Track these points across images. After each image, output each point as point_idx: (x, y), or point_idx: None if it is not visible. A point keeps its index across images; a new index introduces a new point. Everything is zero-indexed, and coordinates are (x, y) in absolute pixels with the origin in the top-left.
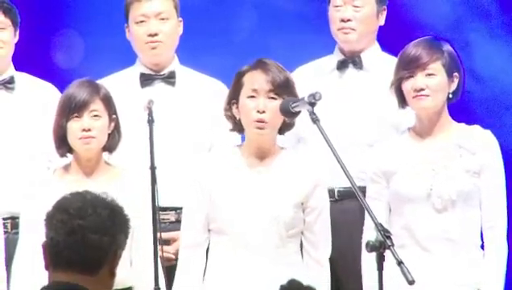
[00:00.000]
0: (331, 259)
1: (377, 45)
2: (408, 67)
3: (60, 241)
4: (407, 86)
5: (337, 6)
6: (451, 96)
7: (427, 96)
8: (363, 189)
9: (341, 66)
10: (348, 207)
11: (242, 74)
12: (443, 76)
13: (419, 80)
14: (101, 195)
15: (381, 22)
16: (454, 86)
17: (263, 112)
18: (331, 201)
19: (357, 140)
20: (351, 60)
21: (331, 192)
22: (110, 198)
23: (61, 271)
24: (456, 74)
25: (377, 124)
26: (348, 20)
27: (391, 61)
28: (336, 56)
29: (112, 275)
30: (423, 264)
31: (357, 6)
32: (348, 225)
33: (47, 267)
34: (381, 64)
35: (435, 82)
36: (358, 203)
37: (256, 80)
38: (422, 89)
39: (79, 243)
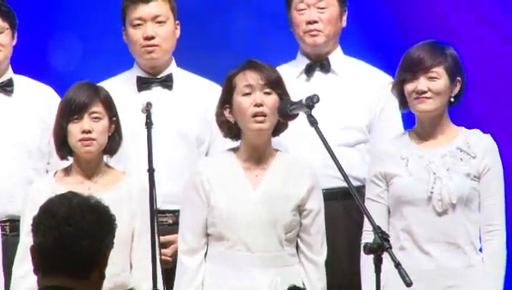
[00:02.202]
0: None
1: (339, 48)
2: (411, 69)
3: (49, 247)
4: (409, 88)
5: (301, 10)
6: (452, 100)
7: (429, 98)
8: (347, 189)
9: (309, 70)
10: (331, 208)
11: (233, 76)
12: (445, 80)
13: (422, 82)
14: (86, 197)
15: (344, 23)
16: (456, 90)
17: (261, 105)
18: None
19: (332, 141)
20: (318, 64)
21: None
22: (95, 200)
23: (51, 276)
24: (458, 78)
25: (350, 125)
26: (315, 22)
27: (355, 63)
28: (301, 61)
29: (101, 276)
30: (422, 267)
31: (321, 8)
32: (332, 225)
33: (36, 272)
34: (346, 66)
35: (437, 85)
36: (341, 204)
37: (250, 77)
38: (424, 92)
39: (68, 250)
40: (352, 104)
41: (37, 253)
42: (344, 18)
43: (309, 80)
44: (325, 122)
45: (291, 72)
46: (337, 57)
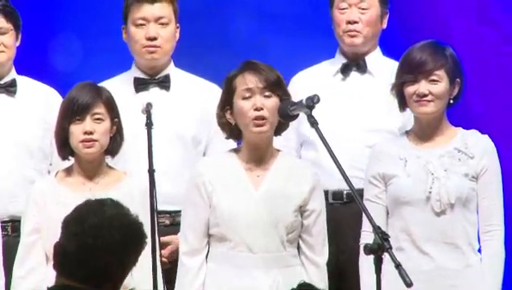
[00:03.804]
0: (339, 261)
1: (379, 49)
2: (412, 72)
3: (70, 252)
4: (410, 91)
5: (343, 9)
6: (451, 101)
7: (430, 102)
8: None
9: (345, 69)
10: (356, 209)
11: (232, 78)
12: (446, 83)
13: (423, 85)
14: (123, 212)
15: (384, 25)
16: (455, 92)
17: (261, 109)
18: (339, 204)
19: (362, 143)
20: (355, 64)
21: (339, 194)
22: (131, 217)
23: (66, 278)
24: (457, 80)
25: (381, 127)
26: (355, 22)
27: (393, 65)
28: (339, 60)
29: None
30: (421, 267)
31: (363, 9)
32: (356, 227)
33: (55, 267)
34: (383, 67)
35: (438, 89)
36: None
37: (249, 81)
38: (425, 95)
39: (86, 261)
40: (385, 105)
41: (58, 252)
42: (385, 20)
43: (345, 79)
44: (356, 122)
45: (328, 70)
46: (375, 58)
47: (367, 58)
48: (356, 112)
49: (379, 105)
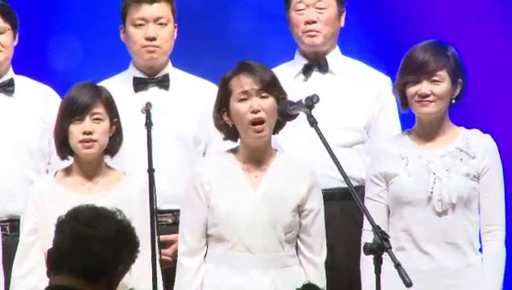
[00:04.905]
0: None
1: (338, 48)
2: (414, 72)
3: (66, 246)
4: (412, 91)
5: (300, 10)
6: (453, 101)
7: (432, 102)
8: (345, 190)
9: (306, 70)
10: (330, 209)
11: (228, 80)
12: (448, 83)
13: (425, 86)
14: (114, 212)
15: (342, 23)
16: (457, 92)
17: (258, 111)
18: None
19: (331, 142)
20: (316, 64)
21: None
22: (122, 217)
23: (62, 275)
24: (460, 80)
25: (348, 125)
26: (314, 22)
27: (353, 63)
28: (300, 61)
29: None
30: (421, 266)
31: (320, 8)
32: (330, 226)
33: (49, 274)
34: (344, 66)
35: (440, 89)
36: (340, 204)
37: (244, 83)
38: (427, 96)
39: (83, 250)
40: (350, 104)
41: (54, 252)
42: (343, 18)
43: (307, 80)
44: (323, 122)
45: (289, 72)
46: (335, 57)
47: (328, 57)
48: (321, 112)
49: (343, 103)
